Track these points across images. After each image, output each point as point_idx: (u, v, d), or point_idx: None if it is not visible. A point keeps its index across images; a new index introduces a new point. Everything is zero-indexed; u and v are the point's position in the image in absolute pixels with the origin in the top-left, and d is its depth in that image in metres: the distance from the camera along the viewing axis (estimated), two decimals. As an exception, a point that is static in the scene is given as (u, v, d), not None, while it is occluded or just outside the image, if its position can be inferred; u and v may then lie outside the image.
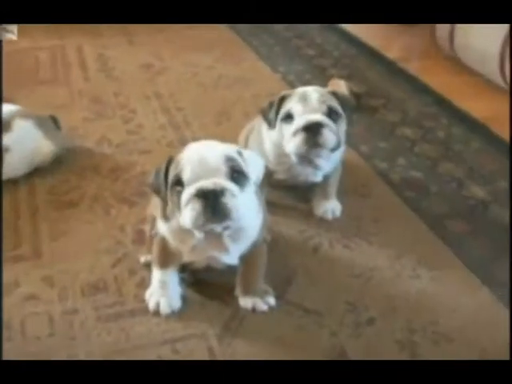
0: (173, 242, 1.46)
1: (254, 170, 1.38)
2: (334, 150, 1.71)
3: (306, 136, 1.66)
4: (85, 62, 2.91)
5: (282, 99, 1.74)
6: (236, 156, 1.35)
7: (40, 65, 2.86)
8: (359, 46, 3.18)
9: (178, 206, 1.32)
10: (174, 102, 2.53)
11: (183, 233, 1.40)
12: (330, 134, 1.67)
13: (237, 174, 1.31)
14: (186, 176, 1.30)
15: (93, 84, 2.68)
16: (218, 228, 1.34)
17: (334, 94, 1.74)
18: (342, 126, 1.73)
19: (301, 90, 1.74)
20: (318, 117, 1.67)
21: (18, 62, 2.86)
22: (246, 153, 1.40)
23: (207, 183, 1.27)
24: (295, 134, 1.67)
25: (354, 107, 1.80)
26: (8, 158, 1.93)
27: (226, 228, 1.35)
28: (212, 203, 1.26)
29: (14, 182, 1.97)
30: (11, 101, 2.40)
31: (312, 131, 1.66)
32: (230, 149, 1.36)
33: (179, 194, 1.31)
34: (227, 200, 1.27)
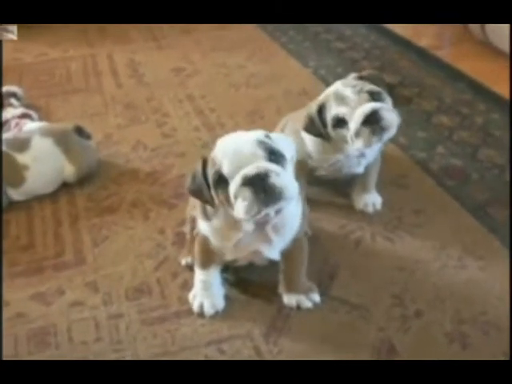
0: (215, 241, 1.45)
1: (285, 149, 1.35)
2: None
3: (370, 129, 1.61)
4: (116, 69, 2.92)
5: (320, 110, 1.69)
6: (266, 139, 1.32)
7: (72, 74, 2.88)
8: (389, 37, 3.14)
9: (227, 202, 1.30)
10: (206, 104, 2.53)
11: (227, 230, 1.39)
12: (389, 113, 1.62)
13: (274, 156, 1.29)
14: (226, 170, 1.28)
15: (125, 90, 2.69)
16: (271, 213, 1.31)
17: (362, 78, 1.70)
18: (388, 100, 1.67)
19: (331, 91, 1.68)
20: (368, 106, 1.61)
21: (50, 73, 2.89)
22: (273, 135, 1.37)
23: (249, 169, 1.25)
24: (357, 133, 1.62)
25: (382, 79, 1.74)
26: (28, 176, 1.93)
27: (277, 212, 1.32)
28: (261, 187, 1.24)
29: (54, 192, 1.99)
30: (44, 111, 2.46)
31: (372, 121, 1.60)
32: (258, 134, 1.33)
33: (224, 189, 1.29)
34: (274, 180, 1.24)
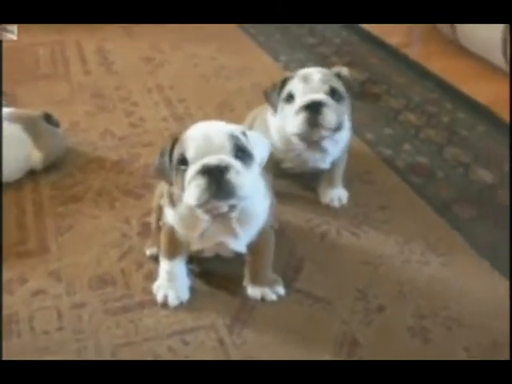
0: (181, 230, 1.44)
1: (259, 150, 1.36)
2: (335, 130, 1.69)
3: (306, 115, 1.64)
4: (84, 56, 2.89)
5: (285, 81, 1.72)
6: (240, 135, 1.33)
7: (40, 60, 2.84)
8: (360, 33, 3.16)
9: (182, 186, 1.30)
10: (175, 94, 2.51)
11: (192, 218, 1.39)
12: (331, 114, 1.64)
13: (241, 153, 1.30)
14: (190, 154, 1.28)
15: (93, 78, 2.66)
16: (223, 207, 1.31)
17: (338, 76, 1.72)
18: (345, 107, 1.70)
19: (304, 70, 1.71)
20: (319, 96, 1.64)
21: (17, 59, 2.84)
22: (250, 133, 1.38)
23: (212, 159, 1.25)
24: (296, 113, 1.65)
25: (358, 89, 1.77)
26: None
27: (232, 208, 1.33)
28: (216, 179, 1.24)
29: (18, 179, 1.96)
30: (11, 97, 2.41)
31: (313, 110, 1.63)
32: (234, 127, 1.34)
33: (183, 172, 1.29)
34: (232, 176, 1.25)
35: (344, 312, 1.49)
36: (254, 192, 1.34)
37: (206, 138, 1.29)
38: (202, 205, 1.28)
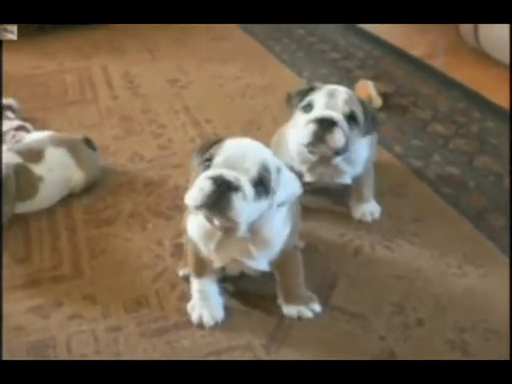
0: (199, 242, 1.43)
1: (286, 190, 1.35)
2: (338, 153, 1.67)
3: (316, 128, 1.62)
4: (111, 80, 2.92)
5: (311, 89, 1.71)
6: (273, 169, 1.32)
7: (68, 86, 2.88)
8: (383, 46, 3.15)
9: (194, 180, 1.30)
10: (202, 115, 2.52)
11: (207, 228, 1.38)
12: (340, 136, 1.62)
13: (261, 185, 1.29)
14: (217, 159, 1.29)
15: (121, 102, 2.69)
16: (215, 220, 1.31)
17: (363, 104, 1.70)
18: (355, 134, 1.68)
19: (332, 86, 1.70)
20: (336, 115, 1.63)
21: (46, 85, 2.88)
22: (286, 174, 1.36)
23: (229, 173, 1.25)
24: (307, 124, 1.64)
25: (376, 125, 1.76)
26: (42, 188, 1.91)
27: (223, 225, 1.32)
28: (221, 192, 1.24)
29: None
30: (41, 123, 2.45)
31: (324, 126, 1.62)
32: (271, 160, 1.33)
33: (203, 169, 1.30)
34: (235, 198, 1.24)
35: (381, 328, 1.47)
36: (270, 221, 1.36)
37: (241, 155, 1.28)
38: (194, 206, 1.27)
